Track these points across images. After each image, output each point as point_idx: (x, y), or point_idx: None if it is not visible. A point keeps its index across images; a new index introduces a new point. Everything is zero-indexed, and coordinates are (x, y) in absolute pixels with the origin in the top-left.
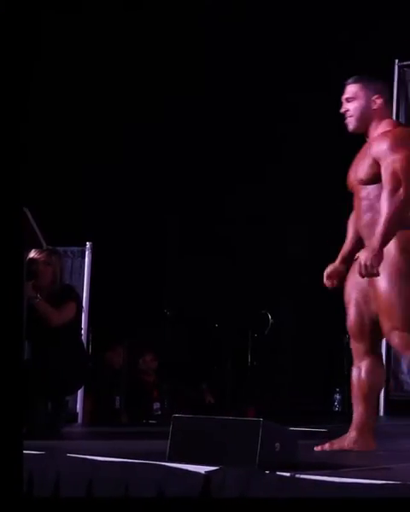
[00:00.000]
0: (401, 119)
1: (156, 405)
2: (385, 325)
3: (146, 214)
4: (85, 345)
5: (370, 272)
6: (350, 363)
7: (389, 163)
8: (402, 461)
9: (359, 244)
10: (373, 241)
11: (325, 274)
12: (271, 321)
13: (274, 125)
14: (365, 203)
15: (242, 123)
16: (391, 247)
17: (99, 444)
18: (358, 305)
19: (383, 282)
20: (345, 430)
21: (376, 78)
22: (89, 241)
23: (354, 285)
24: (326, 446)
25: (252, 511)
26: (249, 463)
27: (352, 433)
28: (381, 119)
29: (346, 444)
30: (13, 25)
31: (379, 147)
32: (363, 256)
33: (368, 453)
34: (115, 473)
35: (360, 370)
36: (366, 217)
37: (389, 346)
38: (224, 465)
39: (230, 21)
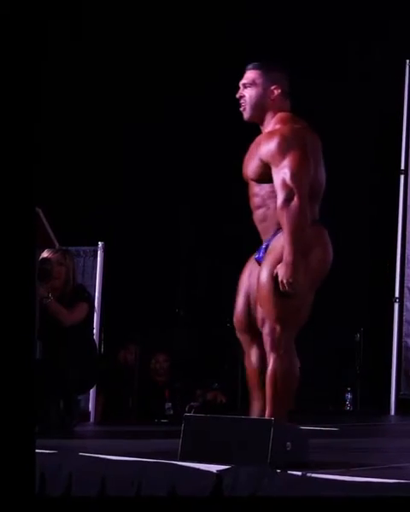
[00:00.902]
0: None
1: (168, 405)
2: (260, 316)
3: (159, 214)
4: (98, 344)
5: (293, 287)
6: (362, 362)
7: (279, 170)
8: None
9: None
10: (285, 255)
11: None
12: None
13: None
14: (257, 199)
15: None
16: (279, 242)
17: (111, 443)
18: (246, 297)
19: (265, 273)
20: (356, 429)
21: (278, 66)
22: (101, 240)
23: (247, 277)
24: None
25: (263, 510)
26: (261, 462)
27: None
28: (276, 110)
29: None
30: (22, 26)
31: (268, 148)
32: (281, 272)
33: (379, 452)
34: (127, 472)
35: (250, 360)
36: (259, 212)
37: (399, 344)
38: (235, 464)
39: (235, 18)
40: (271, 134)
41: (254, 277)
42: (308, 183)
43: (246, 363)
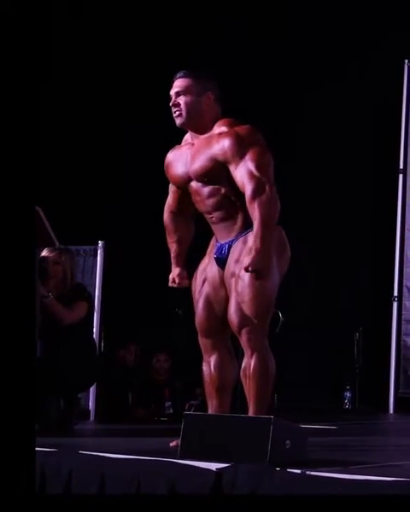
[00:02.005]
0: None
1: (168, 404)
2: (235, 317)
3: (159, 213)
4: (97, 343)
5: (261, 274)
6: (361, 361)
7: (243, 164)
8: None
9: (184, 242)
10: (255, 243)
11: (171, 281)
12: (282, 319)
13: (285, 125)
14: (211, 201)
15: (253, 121)
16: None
17: (111, 441)
18: (208, 301)
19: (247, 276)
20: (355, 427)
21: (208, 73)
22: (101, 239)
23: (205, 281)
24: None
25: (263, 508)
26: (260, 460)
27: None
28: (213, 116)
29: None
30: (23, 27)
31: (224, 146)
32: (251, 260)
33: (378, 450)
34: (127, 470)
35: (209, 365)
36: (217, 214)
37: (398, 343)
38: (235, 462)
39: (236, 19)
40: (225, 134)
41: (214, 279)
42: (273, 175)
43: (204, 369)
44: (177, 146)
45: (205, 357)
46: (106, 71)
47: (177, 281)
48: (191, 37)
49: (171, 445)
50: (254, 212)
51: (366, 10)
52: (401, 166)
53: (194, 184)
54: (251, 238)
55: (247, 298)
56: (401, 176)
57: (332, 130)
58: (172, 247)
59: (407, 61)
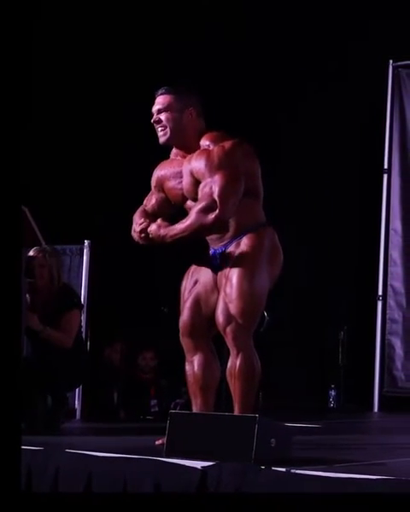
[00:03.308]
0: (395, 119)
1: (153, 402)
2: (222, 318)
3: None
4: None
5: (156, 237)
6: (346, 360)
7: (208, 183)
8: (396, 456)
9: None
10: (172, 230)
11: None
12: (266, 318)
13: (271, 126)
14: None
15: (238, 123)
16: (250, 244)
17: (97, 440)
18: (197, 302)
19: (238, 276)
20: (340, 426)
21: (189, 88)
22: (87, 239)
23: (196, 282)
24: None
25: (248, 506)
26: (245, 459)
27: None
28: (196, 131)
29: None
30: (9, 23)
31: (199, 165)
32: (160, 231)
33: (363, 448)
34: (113, 468)
35: (193, 365)
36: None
37: (382, 342)
38: (220, 460)
39: (219, 20)
40: (202, 152)
41: (208, 282)
42: (234, 203)
43: (188, 369)
44: (166, 161)
45: (188, 356)
46: (93, 71)
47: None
48: (175, 44)
49: (156, 443)
50: (191, 219)
51: (350, 10)
52: (386, 166)
53: (189, 203)
54: (244, 242)
55: (233, 297)
56: (385, 176)
57: (317, 130)
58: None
59: (391, 61)
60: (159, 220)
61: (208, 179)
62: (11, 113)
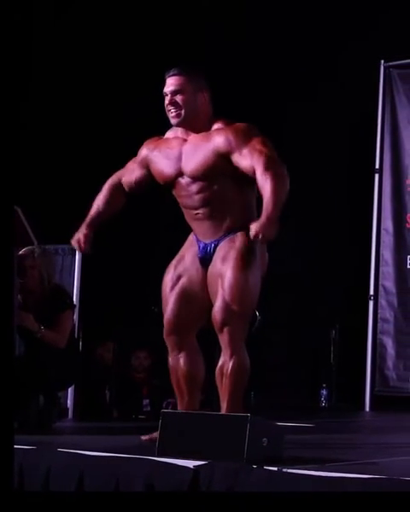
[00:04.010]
0: (387, 119)
1: (146, 402)
2: (219, 314)
3: (137, 213)
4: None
5: (267, 239)
6: (338, 359)
7: (250, 148)
8: (388, 455)
9: (108, 214)
10: (267, 210)
11: (75, 240)
12: (259, 317)
13: (261, 126)
14: (199, 196)
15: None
16: (245, 241)
17: (89, 439)
18: (182, 298)
19: (233, 271)
20: (331, 425)
21: (200, 70)
22: None
23: (180, 277)
24: (154, 435)
25: (240, 505)
26: (237, 458)
27: None
28: (208, 114)
29: None
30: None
31: (227, 137)
32: (262, 228)
33: (354, 448)
34: (105, 467)
35: (179, 362)
36: (204, 211)
37: (374, 342)
38: (212, 460)
39: (212, 19)
40: (223, 129)
41: (195, 277)
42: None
43: (173, 367)
44: (158, 140)
45: (173, 354)
46: (87, 72)
47: (82, 242)
48: (169, 44)
49: (143, 438)
50: (267, 183)
51: (342, 11)
52: (377, 166)
53: (183, 180)
54: (239, 239)
55: (233, 297)
56: (376, 176)
57: (308, 130)
58: (94, 210)
59: (383, 61)
60: (251, 225)
61: (244, 147)
62: (7, 112)
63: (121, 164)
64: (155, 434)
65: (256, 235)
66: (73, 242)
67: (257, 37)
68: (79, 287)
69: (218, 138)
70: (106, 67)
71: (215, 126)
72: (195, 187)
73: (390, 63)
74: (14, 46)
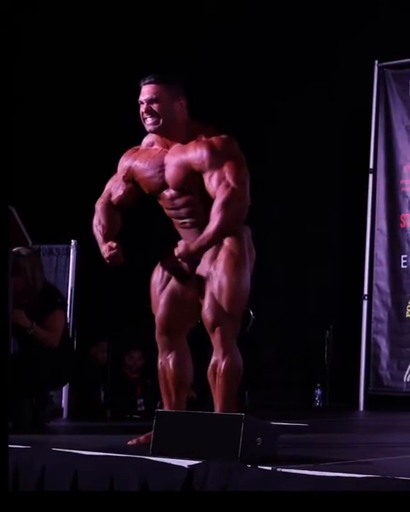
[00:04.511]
0: (381, 119)
1: (140, 401)
2: (210, 315)
3: (131, 212)
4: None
5: (185, 260)
6: (332, 359)
7: (219, 173)
8: (382, 454)
9: (115, 230)
10: (202, 243)
11: (107, 249)
12: (253, 317)
13: (256, 126)
14: (185, 210)
15: (223, 122)
16: (235, 243)
17: (84, 438)
18: (172, 298)
19: (226, 275)
20: (325, 425)
21: (176, 77)
22: (74, 238)
23: (169, 278)
24: (141, 439)
25: (234, 505)
26: (231, 457)
27: None
28: (185, 121)
29: None
30: None
31: (201, 156)
32: (186, 248)
33: (348, 447)
34: (99, 467)
35: (168, 363)
36: (190, 221)
37: (368, 341)
38: (206, 459)
39: (202, 19)
40: (200, 144)
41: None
42: (248, 189)
43: (162, 367)
44: (136, 151)
45: (163, 354)
46: (76, 70)
47: (113, 246)
48: (158, 44)
49: (129, 443)
50: (217, 217)
51: (336, 10)
52: (371, 166)
53: (167, 193)
54: (227, 241)
55: (224, 296)
56: (371, 176)
57: (303, 130)
58: (102, 229)
59: (376, 61)
60: (181, 241)
61: (215, 171)
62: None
63: (114, 163)
64: (142, 438)
65: (180, 256)
66: (108, 253)
67: (251, 36)
68: (73, 287)
69: (192, 154)
70: (93, 69)
71: (194, 137)
72: (180, 201)
73: (384, 63)
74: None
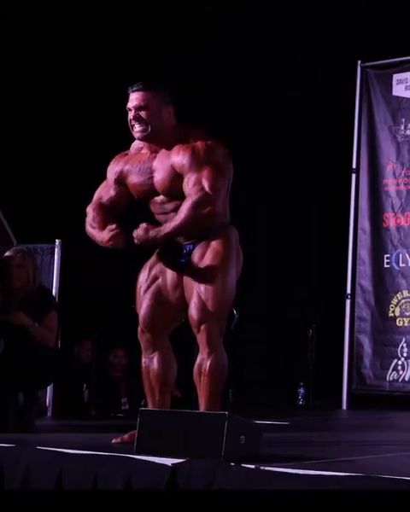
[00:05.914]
0: (364, 119)
1: (124, 400)
2: (197, 317)
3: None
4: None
5: (141, 244)
6: (315, 358)
7: (195, 177)
8: (364, 453)
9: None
10: (163, 233)
11: (110, 234)
12: (236, 316)
13: (240, 125)
14: (174, 214)
15: (207, 121)
16: (221, 243)
17: (68, 437)
18: (157, 297)
19: (210, 275)
20: (309, 423)
21: (163, 84)
22: (58, 238)
23: (155, 277)
24: (125, 437)
25: (218, 503)
26: (215, 456)
27: None
28: (172, 127)
29: None
30: None
31: (182, 160)
32: (143, 234)
33: (331, 445)
34: (84, 465)
35: (152, 362)
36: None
37: (351, 340)
38: (190, 457)
39: (191, 18)
40: (183, 148)
41: (171, 277)
42: (224, 197)
43: (145, 366)
44: (126, 155)
45: (146, 353)
46: (61, 71)
47: (113, 227)
48: (147, 46)
49: (113, 441)
50: (182, 214)
51: (319, 12)
52: (354, 166)
53: (158, 198)
54: (214, 242)
55: (210, 295)
56: (354, 175)
57: (286, 130)
58: (97, 224)
59: (359, 62)
60: (144, 224)
61: (194, 174)
62: None
63: (101, 165)
64: (126, 437)
65: (136, 237)
66: (109, 233)
67: (235, 37)
68: (58, 286)
69: (175, 157)
70: (79, 69)
71: (180, 140)
72: (170, 205)
73: (367, 64)
74: None
